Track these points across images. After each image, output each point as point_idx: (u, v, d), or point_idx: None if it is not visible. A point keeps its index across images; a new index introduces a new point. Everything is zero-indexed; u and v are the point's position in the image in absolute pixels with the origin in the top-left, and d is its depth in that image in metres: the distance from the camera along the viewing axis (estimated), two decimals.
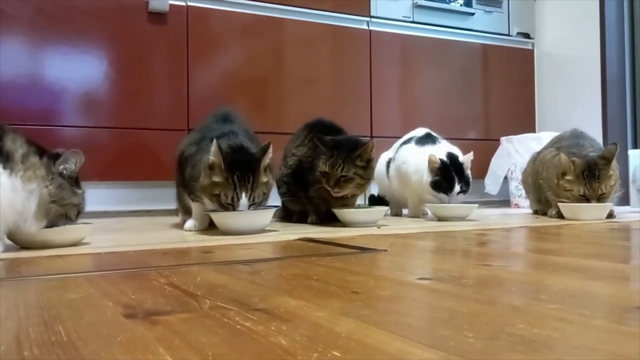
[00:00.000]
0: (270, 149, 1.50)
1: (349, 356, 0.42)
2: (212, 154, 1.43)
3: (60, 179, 1.23)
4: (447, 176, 1.91)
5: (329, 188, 1.70)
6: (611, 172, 1.83)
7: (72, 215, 1.27)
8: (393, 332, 0.48)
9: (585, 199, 1.83)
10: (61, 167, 1.24)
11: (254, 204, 1.46)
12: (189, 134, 1.99)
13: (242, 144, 1.51)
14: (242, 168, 1.43)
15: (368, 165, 1.74)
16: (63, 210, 1.23)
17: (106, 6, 2.33)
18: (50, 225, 1.22)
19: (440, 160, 1.92)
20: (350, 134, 1.87)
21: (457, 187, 1.91)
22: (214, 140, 1.43)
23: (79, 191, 1.29)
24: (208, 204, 1.51)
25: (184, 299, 0.65)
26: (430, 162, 1.92)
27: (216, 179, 1.43)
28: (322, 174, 1.71)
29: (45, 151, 1.25)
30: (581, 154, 1.87)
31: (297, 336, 0.47)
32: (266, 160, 1.49)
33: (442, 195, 1.93)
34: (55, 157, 1.25)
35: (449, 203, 1.92)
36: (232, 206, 1.44)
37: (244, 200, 1.42)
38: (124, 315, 0.57)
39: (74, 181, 1.28)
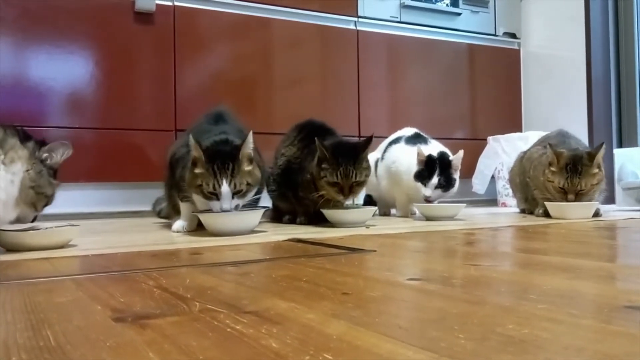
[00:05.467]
0: (250, 137, 1.50)
1: (340, 358, 0.42)
2: (192, 149, 1.46)
3: (41, 166, 1.22)
4: (429, 168, 1.94)
5: (341, 198, 1.66)
6: (595, 171, 1.84)
7: (39, 206, 1.25)
8: (384, 334, 0.48)
9: (564, 192, 1.84)
10: (45, 154, 1.23)
11: (238, 193, 1.46)
12: (182, 135, 1.97)
13: (227, 138, 1.52)
14: (222, 157, 1.45)
15: (368, 165, 1.73)
16: (35, 198, 1.22)
17: (92, 6, 2.31)
18: (21, 215, 1.21)
19: (429, 154, 1.94)
20: (340, 135, 1.86)
21: (434, 179, 1.92)
22: (190, 136, 1.46)
23: (55, 182, 1.27)
24: (198, 204, 1.50)
25: (173, 301, 0.64)
26: (418, 154, 1.94)
27: (198, 170, 1.45)
28: (332, 185, 1.64)
29: (30, 136, 1.23)
30: (570, 149, 1.89)
31: (288, 339, 0.47)
32: (246, 148, 1.49)
33: (420, 186, 1.94)
34: (41, 144, 1.24)
35: (426, 195, 1.93)
36: (215, 195, 1.44)
37: (225, 187, 1.43)
38: (113, 319, 0.56)
39: (54, 172, 1.26)
